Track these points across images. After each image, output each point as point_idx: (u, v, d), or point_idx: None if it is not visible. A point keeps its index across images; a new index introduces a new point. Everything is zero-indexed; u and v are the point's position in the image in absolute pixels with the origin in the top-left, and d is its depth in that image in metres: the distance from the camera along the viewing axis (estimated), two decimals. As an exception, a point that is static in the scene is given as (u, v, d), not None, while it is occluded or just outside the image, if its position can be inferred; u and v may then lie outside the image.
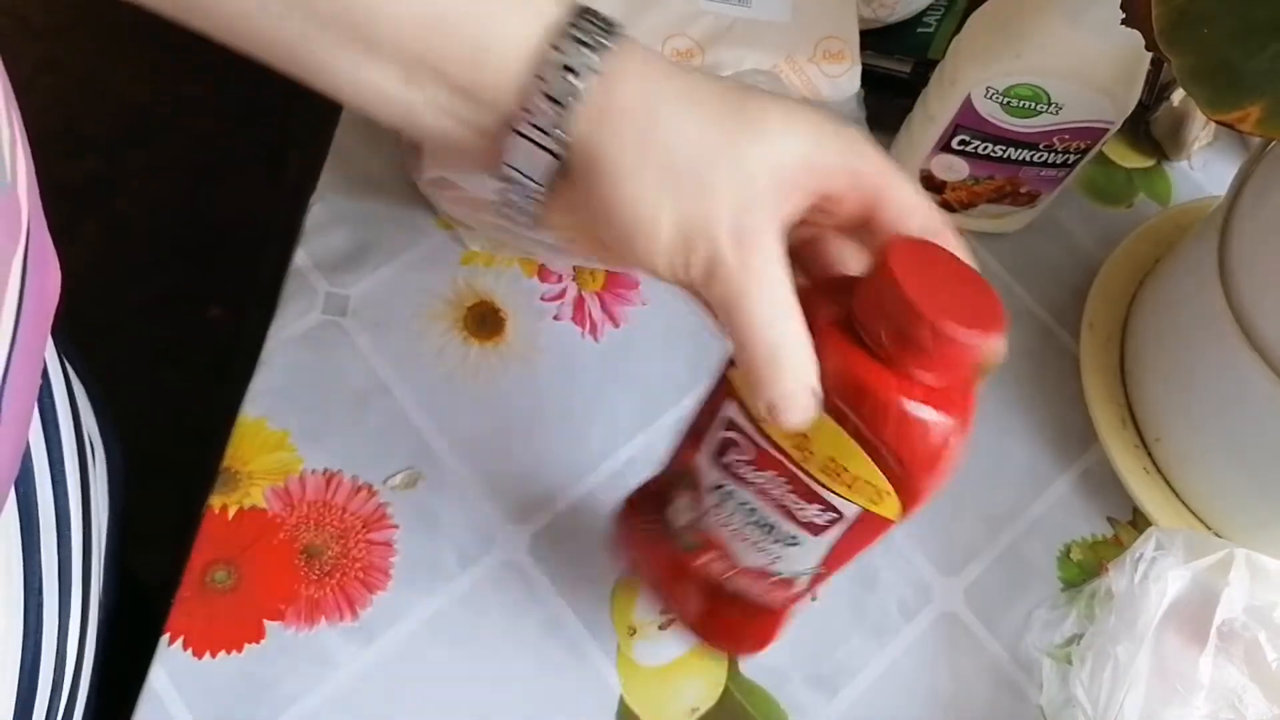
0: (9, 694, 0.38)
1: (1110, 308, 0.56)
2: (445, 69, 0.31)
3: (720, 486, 0.36)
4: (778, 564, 0.37)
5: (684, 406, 0.53)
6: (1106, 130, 0.51)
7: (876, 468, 0.32)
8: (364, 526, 0.49)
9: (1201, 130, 0.62)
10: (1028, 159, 0.53)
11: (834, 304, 0.32)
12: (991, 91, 0.50)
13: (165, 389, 1.00)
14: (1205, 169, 0.64)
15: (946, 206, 0.58)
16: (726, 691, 0.48)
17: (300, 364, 0.52)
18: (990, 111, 0.51)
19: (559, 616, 0.48)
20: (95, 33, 1.34)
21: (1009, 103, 0.50)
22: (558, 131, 0.30)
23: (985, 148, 0.53)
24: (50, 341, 0.45)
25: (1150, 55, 0.42)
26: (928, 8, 0.59)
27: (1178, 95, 0.62)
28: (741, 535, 0.36)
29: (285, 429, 0.50)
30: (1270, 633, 0.45)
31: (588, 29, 0.30)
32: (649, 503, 0.41)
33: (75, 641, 0.44)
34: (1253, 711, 0.44)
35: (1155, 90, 0.63)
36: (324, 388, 0.51)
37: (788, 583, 0.38)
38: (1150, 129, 0.63)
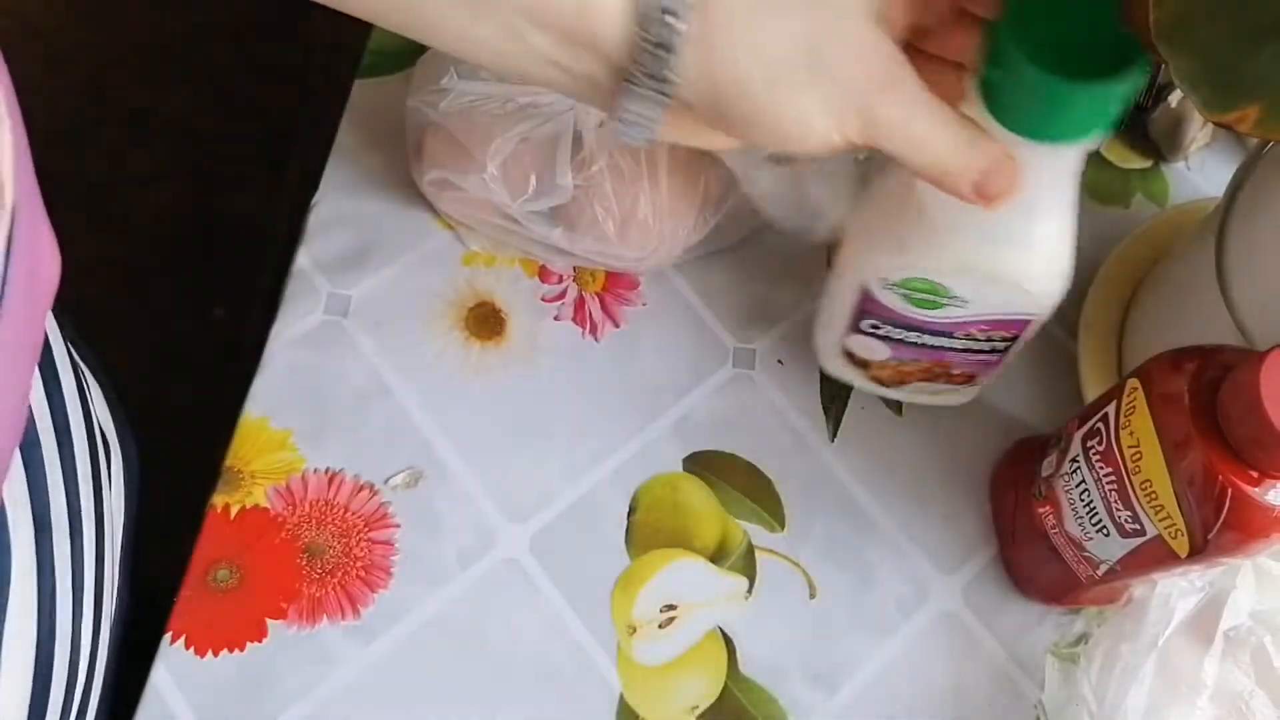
0: (23, 697, 0.38)
1: (1108, 308, 0.56)
2: (552, 22, 0.32)
3: (1075, 460, 0.44)
4: (1089, 543, 0.45)
5: (684, 406, 0.53)
6: (1029, 322, 0.45)
7: (1179, 508, 0.39)
8: (365, 526, 0.49)
9: (1199, 131, 0.62)
10: (948, 346, 0.47)
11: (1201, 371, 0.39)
12: (886, 283, 0.44)
13: (168, 389, 1.00)
14: (1203, 170, 0.64)
15: (877, 381, 0.52)
16: (726, 690, 0.48)
17: (302, 364, 0.52)
18: (892, 301, 0.45)
19: (559, 616, 0.48)
20: (96, 33, 1.35)
21: (908, 294, 0.44)
22: (668, 74, 0.32)
23: (898, 333, 0.47)
24: (59, 335, 0.44)
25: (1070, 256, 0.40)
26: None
27: (1175, 96, 0.62)
28: (1073, 505, 0.45)
29: (287, 429, 0.51)
30: (1277, 638, 0.45)
31: None
32: (1033, 449, 0.49)
33: (88, 643, 0.44)
34: (1260, 716, 0.44)
35: (1153, 91, 0.63)
36: (326, 388, 0.52)
37: (1093, 562, 0.45)
38: (1148, 130, 0.63)
